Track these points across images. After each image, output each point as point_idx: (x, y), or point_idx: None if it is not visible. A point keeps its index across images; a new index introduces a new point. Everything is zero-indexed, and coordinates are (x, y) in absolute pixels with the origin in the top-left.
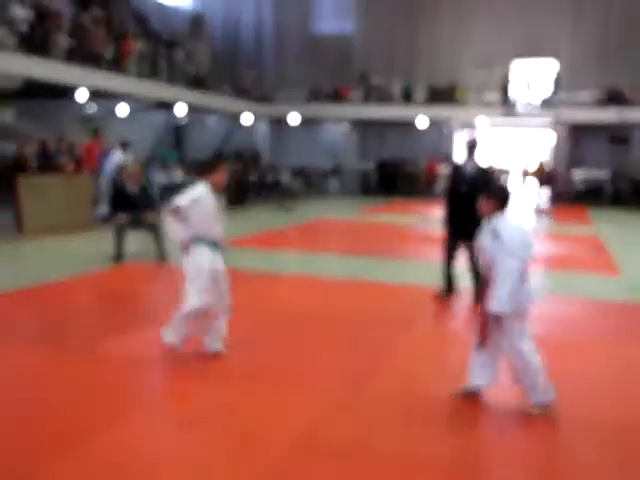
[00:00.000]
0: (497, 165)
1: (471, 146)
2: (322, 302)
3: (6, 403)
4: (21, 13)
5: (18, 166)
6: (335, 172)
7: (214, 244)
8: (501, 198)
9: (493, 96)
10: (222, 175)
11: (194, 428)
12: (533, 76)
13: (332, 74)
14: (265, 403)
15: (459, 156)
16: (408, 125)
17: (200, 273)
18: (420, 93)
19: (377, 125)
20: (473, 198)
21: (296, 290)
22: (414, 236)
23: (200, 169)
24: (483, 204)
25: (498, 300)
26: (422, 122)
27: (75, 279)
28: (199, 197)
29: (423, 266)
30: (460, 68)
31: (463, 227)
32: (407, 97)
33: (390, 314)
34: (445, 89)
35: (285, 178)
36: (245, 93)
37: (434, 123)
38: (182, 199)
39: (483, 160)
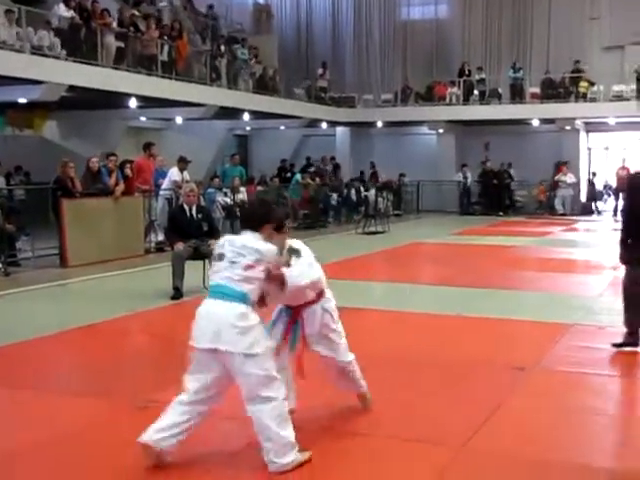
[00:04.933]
0: None
1: None
2: (415, 342)
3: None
4: (65, 12)
5: (61, 188)
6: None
7: None
8: None
9: (626, 88)
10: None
11: None
12: None
13: (424, 69)
14: (359, 465)
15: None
16: (518, 127)
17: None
18: (533, 88)
19: (479, 128)
20: None
21: (385, 328)
22: (528, 262)
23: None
24: None
25: None
26: (536, 123)
27: (126, 318)
28: None
29: (542, 298)
30: (584, 55)
31: None
32: (517, 93)
33: (499, 358)
34: (565, 82)
35: (371, 194)
36: (320, 96)
37: (551, 124)
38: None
39: None
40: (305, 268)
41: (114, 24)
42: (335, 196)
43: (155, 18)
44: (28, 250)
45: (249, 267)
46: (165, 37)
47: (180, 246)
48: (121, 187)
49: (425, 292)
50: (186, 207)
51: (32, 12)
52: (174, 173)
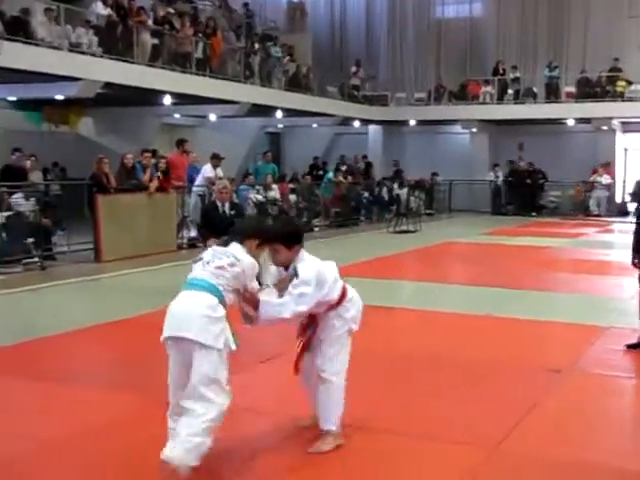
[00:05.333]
0: None
1: None
2: (446, 342)
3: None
4: (102, 10)
5: (97, 184)
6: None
7: None
8: None
9: None
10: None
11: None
12: None
13: (458, 68)
14: (390, 465)
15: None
16: (553, 127)
17: None
18: (569, 87)
19: (513, 128)
20: None
21: (415, 327)
22: (562, 263)
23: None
24: None
25: None
26: (572, 122)
27: (158, 314)
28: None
29: (577, 300)
30: (622, 54)
31: None
32: (552, 92)
33: (533, 359)
34: (602, 81)
35: (403, 193)
36: (353, 94)
37: (587, 124)
38: None
39: None
40: (292, 299)
41: (150, 22)
42: (367, 194)
43: (190, 16)
44: (64, 244)
45: (220, 267)
46: (200, 35)
47: (213, 242)
48: (155, 183)
49: (456, 292)
50: (219, 204)
51: (71, 10)
52: (207, 170)
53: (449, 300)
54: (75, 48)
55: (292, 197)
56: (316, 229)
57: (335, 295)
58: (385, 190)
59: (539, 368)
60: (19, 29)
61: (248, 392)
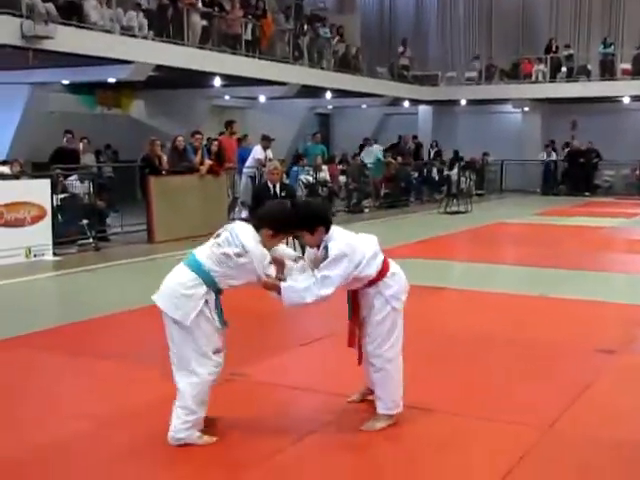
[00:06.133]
0: None
1: None
2: (498, 323)
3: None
4: None
5: (149, 165)
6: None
7: None
8: None
9: None
10: None
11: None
12: None
13: (510, 46)
14: (439, 441)
15: None
16: (608, 105)
17: None
18: (625, 64)
19: (566, 106)
20: None
21: (467, 307)
22: (618, 243)
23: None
24: None
25: None
26: (627, 100)
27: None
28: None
29: (633, 280)
30: None
31: None
32: (607, 70)
33: (587, 340)
34: None
35: (454, 174)
36: (403, 74)
37: None
38: None
39: None
40: (316, 283)
41: (199, 4)
42: (417, 175)
43: None
44: (117, 226)
45: (226, 255)
46: (249, 16)
47: None
48: (207, 165)
49: (509, 273)
50: (270, 185)
51: None
52: (257, 151)
53: (501, 281)
54: (126, 31)
55: (342, 178)
56: (366, 210)
57: (372, 270)
58: (435, 171)
59: (593, 349)
60: (73, 13)
61: (293, 372)
